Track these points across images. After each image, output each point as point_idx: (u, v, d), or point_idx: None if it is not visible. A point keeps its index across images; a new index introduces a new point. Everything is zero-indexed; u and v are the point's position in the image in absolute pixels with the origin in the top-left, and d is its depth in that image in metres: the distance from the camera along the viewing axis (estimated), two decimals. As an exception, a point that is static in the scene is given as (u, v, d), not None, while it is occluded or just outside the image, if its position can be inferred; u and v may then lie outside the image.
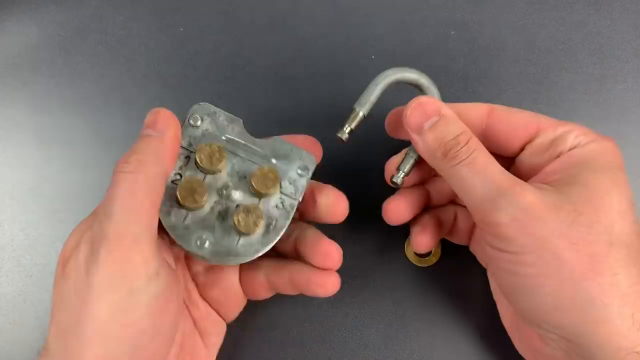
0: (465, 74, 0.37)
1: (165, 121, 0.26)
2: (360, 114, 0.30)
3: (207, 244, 0.26)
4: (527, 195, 0.24)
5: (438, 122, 0.27)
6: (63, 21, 0.37)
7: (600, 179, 0.26)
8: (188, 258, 0.30)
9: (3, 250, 0.34)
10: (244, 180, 0.27)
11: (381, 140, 0.36)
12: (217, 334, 0.31)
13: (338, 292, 0.33)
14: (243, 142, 0.28)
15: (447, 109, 0.28)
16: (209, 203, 0.27)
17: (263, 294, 0.30)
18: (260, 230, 0.27)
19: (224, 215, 0.27)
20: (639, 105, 0.37)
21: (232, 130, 0.28)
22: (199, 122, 0.28)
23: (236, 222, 0.26)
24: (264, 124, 0.34)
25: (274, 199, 0.27)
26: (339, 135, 0.29)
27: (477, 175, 0.25)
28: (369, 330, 0.33)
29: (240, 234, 0.26)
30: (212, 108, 0.28)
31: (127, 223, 0.23)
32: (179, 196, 0.26)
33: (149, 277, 0.24)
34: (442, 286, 0.33)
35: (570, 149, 0.27)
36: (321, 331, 0.33)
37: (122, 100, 0.36)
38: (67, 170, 0.35)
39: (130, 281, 0.23)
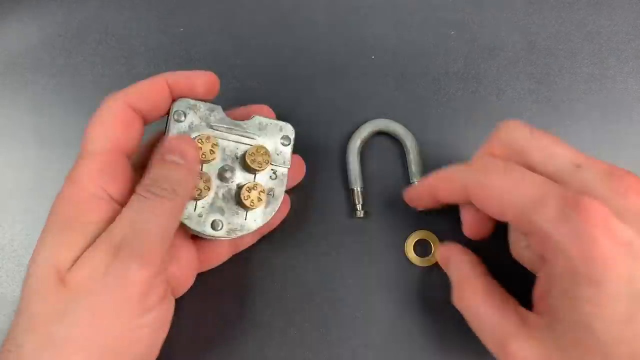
0: (465, 74, 0.37)
1: (191, 151, 0.27)
2: (358, 189, 0.34)
3: (221, 226, 0.29)
4: (517, 355, 0.25)
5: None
6: (63, 21, 0.37)
7: (576, 310, 0.23)
8: None
9: (3, 250, 0.34)
10: (236, 160, 0.30)
11: (384, 146, 0.36)
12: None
13: (338, 292, 0.33)
14: (227, 126, 0.30)
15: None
16: (213, 189, 0.29)
17: (222, 256, 0.32)
18: (263, 202, 0.29)
19: (227, 196, 0.30)
20: (639, 105, 0.37)
21: (215, 117, 0.30)
22: (182, 117, 0.29)
23: (244, 200, 0.29)
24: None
25: (266, 172, 0.30)
26: (357, 215, 0.34)
27: (474, 327, 0.27)
28: (369, 330, 0.33)
29: (247, 209, 0.30)
30: (192, 101, 0.30)
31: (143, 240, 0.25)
32: None
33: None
34: (442, 286, 0.33)
35: (541, 259, 0.25)
36: (321, 331, 0.33)
37: (122, 100, 0.36)
38: (67, 170, 0.35)
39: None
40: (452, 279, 0.30)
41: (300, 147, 0.33)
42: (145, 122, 0.29)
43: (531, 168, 0.26)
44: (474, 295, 0.28)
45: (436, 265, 0.33)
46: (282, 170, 0.31)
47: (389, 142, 0.36)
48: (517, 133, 0.27)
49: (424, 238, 0.34)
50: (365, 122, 0.35)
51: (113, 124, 0.27)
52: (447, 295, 0.33)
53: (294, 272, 0.33)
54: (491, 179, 0.26)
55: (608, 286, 0.22)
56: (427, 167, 0.35)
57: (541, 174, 0.26)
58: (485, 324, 0.27)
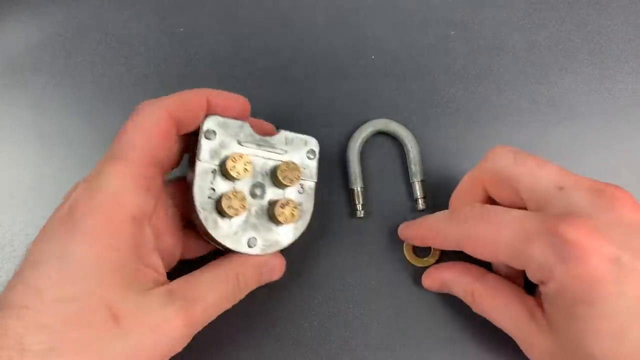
0: (465, 74, 0.37)
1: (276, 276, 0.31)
2: (358, 189, 0.34)
3: (256, 244, 0.29)
4: (531, 349, 0.27)
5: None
6: (63, 21, 0.37)
7: (570, 327, 0.24)
8: None
9: (3, 250, 0.34)
10: (266, 176, 0.30)
11: (384, 146, 0.36)
12: None
13: (338, 291, 0.33)
14: (257, 144, 0.30)
15: (440, 278, 0.32)
16: (247, 207, 0.29)
17: (202, 250, 0.32)
18: (296, 217, 0.30)
19: (260, 212, 0.30)
20: (639, 105, 0.37)
21: (244, 134, 0.30)
22: (213, 136, 0.29)
23: (278, 216, 0.29)
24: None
25: (295, 187, 0.31)
26: (357, 215, 0.34)
27: (498, 326, 0.29)
28: (369, 330, 0.33)
29: (279, 225, 0.30)
30: (220, 118, 0.29)
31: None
32: (225, 209, 0.28)
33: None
34: (442, 286, 0.33)
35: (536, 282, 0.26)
36: (321, 331, 0.33)
37: (122, 100, 0.36)
38: (67, 170, 0.35)
39: None
40: (459, 295, 0.31)
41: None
42: (177, 133, 0.28)
43: (518, 194, 0.28)
44: (485, 302, 0.29)
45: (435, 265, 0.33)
46: (310, 184, 0.31)
47: (389, 142, 0.36)
48: (502, 160, 0.28)
49: None
50: (365, 122, 0.35)
51: (154, 132, 0.26)
52: (447, 295, 0.33)
53: (294, 272, 0.33)
54: (476, 230, 0.27)
55: (598, 304, 0.23)
56: (427, 167, 0.35)
57: (528, 199, 0.27)
58: (504, 322, 0.28)
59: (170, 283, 0.26)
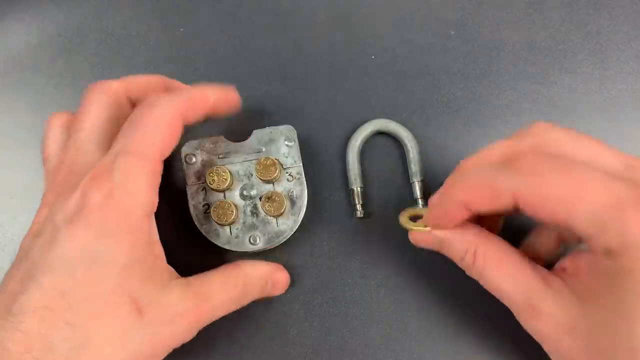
0: (465, 74, 0.37)
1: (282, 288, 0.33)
2: (358, 189, 0.34)
3: (259, 240, 0.31)
4: (542, 318, 0.24)
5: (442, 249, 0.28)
6: (63, 21, 0.37)
7: (628, 303, 0.21)
8: None
9: (3, 250, 0.34)
10: (252, 177, 0.32)
11: (384, 146, 0.36)
12: None
13: (338, 292, 0.33)
14: (235, 152, 0.32)
15: (435, 235, 0.28)
16: (240, 210, 0.32)
17: None
18: (287, 205, 0.31)
19: (255, 211, 0.32)
20: (639, 105, 0.37)
21: (221, 148, 0.32)
22: (193, 159, 0.32)
23: (267, 211, 0.31)
24: (264, 123, 0.34)
25: (283, 177, 0.32)
26: (357, 215, 0.33)
27: (495, 293, 0.26)
28: (369, 330, 0.33)
29: (275, 217, 0.32)
30: (196, 141, 0.32)
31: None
32: (217, 220, 0.31)
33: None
34: (442, 286, 0.33)
35: (594, 253, 0.23)
36: (321, 331, 0.33)
37: (122, 100, 0.36)
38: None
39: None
40: (455, 255, 0.27)
41: (300, 147, 0.33)
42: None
43: None
44: (488, 264, 0.26)
45: (436, 265, 0.33)
46: (296, 169, 0.32)
47: (389, 142, 0.36)
48: (553, 134, 0.25)
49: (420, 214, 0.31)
50: (365, 122, 0.35)
51: (168, 131, 0.27)
52: (448, 296, 0.33)
53: (294, 272, 0.33)
54: (550, 183, 0.23)
55: None
56: (427, 167, 0.35)
57: None
58: (508, 286, 0.25)
59: (186, 278, 0.28)
